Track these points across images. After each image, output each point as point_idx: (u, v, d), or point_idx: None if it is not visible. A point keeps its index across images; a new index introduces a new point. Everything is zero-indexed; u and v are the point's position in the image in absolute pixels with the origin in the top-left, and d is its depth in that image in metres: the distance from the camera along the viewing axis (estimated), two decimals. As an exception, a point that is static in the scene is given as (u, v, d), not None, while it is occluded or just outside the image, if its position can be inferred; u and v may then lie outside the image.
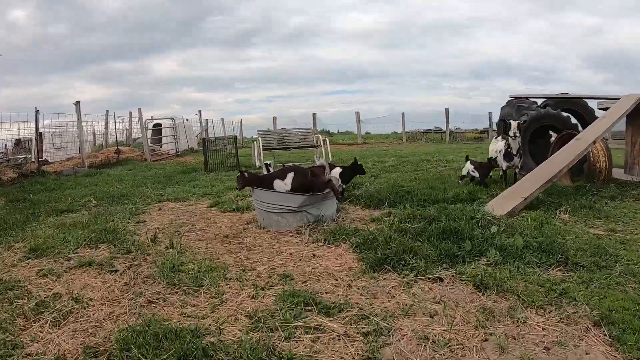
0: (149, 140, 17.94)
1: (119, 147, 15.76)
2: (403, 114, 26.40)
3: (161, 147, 18.45)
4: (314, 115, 25.61)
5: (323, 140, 12.95)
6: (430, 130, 28.06)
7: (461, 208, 5.13)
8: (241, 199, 6.59)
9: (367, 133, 29.31)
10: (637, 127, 7.55)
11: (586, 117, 9.32)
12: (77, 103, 13.48)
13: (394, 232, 4.31)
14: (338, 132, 34.81)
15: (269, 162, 7.58)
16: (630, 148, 7.69)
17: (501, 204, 5.28)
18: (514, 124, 6.67)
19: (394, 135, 28.87)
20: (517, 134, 6.65)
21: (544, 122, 8.54)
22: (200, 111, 25.69)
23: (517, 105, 9.24)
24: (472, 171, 7.24)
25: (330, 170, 6.04)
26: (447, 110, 25.66)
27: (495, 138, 7.97)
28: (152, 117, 19.61)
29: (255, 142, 12.56)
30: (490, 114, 26.41)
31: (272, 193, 5.00)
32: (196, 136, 23.54)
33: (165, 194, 7.52)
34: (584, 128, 7.90)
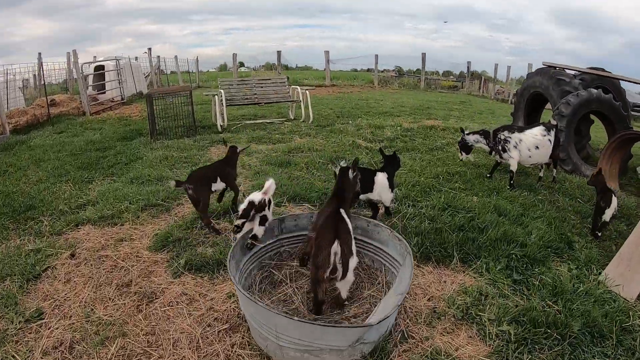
0: (90, 87, 14.93)
1: (53, 99, 12.63)
2: (376, 56, 24.19)
3: (104, 93, 15.35)
4: (279, 53, 22.75)
5: (303, 94, 10.69)
6: (404, 74, 26.21)
7: (585, 292, 3.44)
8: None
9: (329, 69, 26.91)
10: None
11: (616, 98, 7.98)
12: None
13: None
14: (297, 67, 32.22)
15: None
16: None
17: (626, 277, 3.69)
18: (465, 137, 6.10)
19: (362, 76, 26.78)
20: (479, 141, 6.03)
21: (593, 108, 6.92)
22: (149, 49, 21.88)
23: (555, 77, 7.54)
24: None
25: (372, 181, 4.03)
26: (423, 55, 23.85)
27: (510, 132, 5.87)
28: (94, 57, 16.15)
29: (215, 96, 9.85)
30: (468, 63, 24.92)
31: (293, 322, 2.39)
32: (145, 77, 20.16)
33: (89, 202, 5.01)
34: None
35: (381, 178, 4.04)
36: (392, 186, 4.09)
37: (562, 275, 3.66)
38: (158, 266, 3.69)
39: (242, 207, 3.29)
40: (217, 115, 9.62)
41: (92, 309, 3.10)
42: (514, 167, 5.75)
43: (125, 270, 3.62)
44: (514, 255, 3.85)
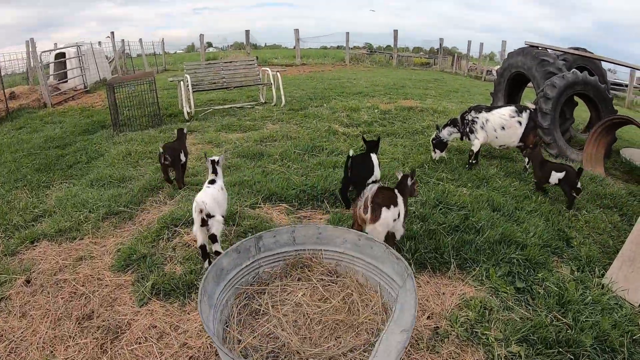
0: (52, 77, 13.93)
1: (12, 91, 11.66)
2: (347, 34, 23.53)
3: (66, 82, 14.27)
4: (247, 32, 21.84)
5: (274, 76, 10.11)
6: (375, 51, 25.69)
7: (592, 299, 3.16)
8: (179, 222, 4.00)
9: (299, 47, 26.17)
10: None
11: (601, 80, 7.85)
12: None
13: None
14: (266, 45, 31.32)
15: (215, 157, 3.81)
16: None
17: (630, 280, 3.43)
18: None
19: (332, 54, 26.12)
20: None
21: (578, 90, 6.67)
22: (112, 33, 20.57)
23: (539, 58, 7.24)
24: None
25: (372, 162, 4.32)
26: (395, 32, 23.29)
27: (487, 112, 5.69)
28: (55, 44, 14.98)
29: (181, 81, 9.12)
30: (441, 40, 24.57)
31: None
32: (109, 62, 18.92)
33: (45, 212, 4.47)
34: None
35: (374, 157, 4.30)
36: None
37: (565, 280, 3.38)
38: (122, 291, 3.21)
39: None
40: (183, 101, 8.96)
41: (52, 352, 2.64)
42: (476, 147, 5.58)
43: (85, 298, 3.13)
44: (514, 260, 3.52)
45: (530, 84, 8.33)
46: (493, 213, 4.28)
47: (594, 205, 4.85)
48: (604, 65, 8.74)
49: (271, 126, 7.79)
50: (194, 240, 3.58)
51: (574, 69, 6.91)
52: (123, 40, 21.05)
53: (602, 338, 2.77)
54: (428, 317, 2.97)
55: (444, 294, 3.24)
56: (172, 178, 4.98)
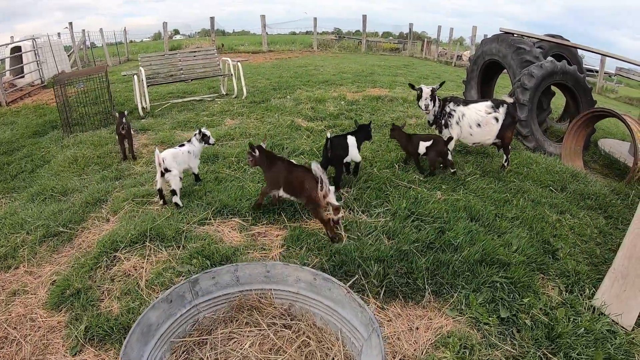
0: (8, 72, 12.95)
1: None
2: (315, 19, 22.83)
3: (23, 77, 13.23)
4: (212, 19, 20.86)
5: (234, 66, 9.44)
6: (344, 37, 25.08)
7: (583, 329, 2.77)
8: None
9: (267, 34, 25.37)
10: None
11: (580, 69, 7.57)
12: None
13: None
14: (234, 31, 30.36)
15: (206, 131, 4.54)
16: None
17: (622, 299, 3.05)
18: (425, 90, 4.97)
19: (301, 39, 25.38)
20: (430, 106, 5.03)
21: (557, 80, 6.29)
22: (70, 23, 19.19)
23: (515, 45, 6.83)
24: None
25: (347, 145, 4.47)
26: (364, 17, 22.67)
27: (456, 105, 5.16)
28: (11, 37, 13.86)
29: (135, 75, 8.34)
30: (410, 25, 24.11)
31: None
32: (69, 55, 17.71)
33: None
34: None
35: (350, 139, 4.44)
36: (358, 147, 4.52)
37: (554, 306, 2.98)
38: (55, 335, 2.73)
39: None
40: (138, 96, 8.23)
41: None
42: (450, 144, 5.02)
43: (17, 344, 2.66)
44: (497, 284, 3.07)
45: (505, 72, 7.95)
46: (471, 223, 3.82)
47: (578, 207, 4.48)
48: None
49: (230, 122, 7.18)
50: (133, 268, 3.25)
51: (551, 58, 6.51)
52: (83, 30, 19.84)
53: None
54: (400, 362, 2.49)
55: (417, 328, 2.78)
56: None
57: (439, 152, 4.80)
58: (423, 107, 4.99)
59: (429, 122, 5.33)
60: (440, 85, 5.04)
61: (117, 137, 5.59)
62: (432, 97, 4.94)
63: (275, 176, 3.69)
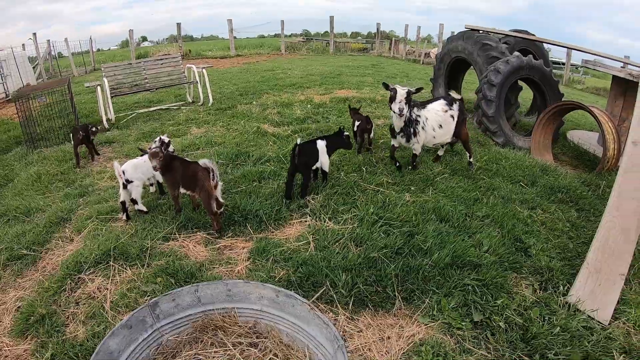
0: None
1: None
2: (282, 22, 22.63)
3: None
4: (179, 25, 20.56)
5: (199, 73, 9.22)
6: (312, 38, 25.05)
7: (559, 327, 2.70)
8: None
9: (235, 38, 25.16)
10: (629, 102, 5.85)
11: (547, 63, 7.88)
12: None
13: None
14: (202, 37, 30.04)
15: (165, 138, 4.54)
16: (619, 123, 6.06)
17: (597, 295, 3.00)
18: (401, 91, 4.35)
19: (269, 42, 25.23)
20: (405, 110, 4.40)
21: (523, 75, 6.30)
22: (34, 34, 18.53)
23: (480, 41, 6.82)
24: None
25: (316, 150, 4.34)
26: (332, 18, 22.72)
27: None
28: None
29: (99, 85, 8.00)
30: (378, 24, 24.20)
31: None
32: (34, 67, 17.09)
33: None
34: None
35: (320, 144, 4.32)
36: (329, 153, 4.42)
37: (528, 305, 2.90)
38: None
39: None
40: (101, 108, 7.92)
41: None
42: (418, 150, 4.84)
43: None
44: (469, 287, 2.98)
45: (471, 69, 7.96)
46: (441, 225, 3.74)
47: (549, 201, 4.44)
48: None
49: (196, 130, 6.98)
50: (98, 289, 3.12)
51: (517, 53, 6.51)
52: (49, 40, 19.20)
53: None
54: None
55: (389, 338, 2.68)
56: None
57: (362, 129, 5.37)
58: (397, 110, 4.35)
59: (393, 130, 4.79)
60: (417, 90, 4.52)
61: (73, 141, 5.73)
62: (408, 100, 4.39)
63: (173, 176, 3.78)
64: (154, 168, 3.67)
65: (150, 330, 2.39)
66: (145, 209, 4.08)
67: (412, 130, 4.66)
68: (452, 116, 4.84)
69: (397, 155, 5.09)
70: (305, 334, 2.33)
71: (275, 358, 2.36)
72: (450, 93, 5.00)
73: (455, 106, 4.86)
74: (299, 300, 2.30)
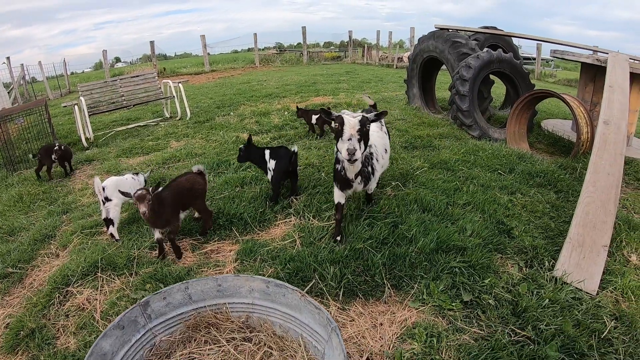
0: None
1: None
2: (255, 35, 22.75)
3: None
4: (152, 43, 20.49)
5: (175, 87, 9.21)
6: (285, 50, 25.22)
7: (548, 300, 2.74)
8: None
9: (208, 54, 25.17)
10: (599, 87, 6.00)
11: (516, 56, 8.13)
12: None
13: None
14: (175, 55, 30.04)
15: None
16: (590, 108, 6.23)
17: (583, 267, 3.07)
18: (350, 122, 2.83)
19: (243, 57, 25.30)
20: (358, 152, 2.81)
21: (494, 69, 6.44)
22: (8, 58, 18.30)
23: (451, 40, 6.95)
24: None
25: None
26: (304, 28, 22.86)
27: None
28: None
29: (76, 105, 7.90)
30: (350, 32, 24.49)
31: None
32: (9, 92, 16.77)
33: None
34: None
35: (266, 152, 4.29)
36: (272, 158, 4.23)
37: (515, 282, 2.95)
38: None
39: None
40: (79, 127, 7.83)
41: None
42: (373, 188, 3.76)
43: None
44: (456, 269, 3.01)
45: (443, 67, 8.10)
46: (423, 215, 3.78)
47: (528, 185, 4.53)
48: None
49: (175, 144, 6.96)
50: (87, 300, 3.10)
51: (487, 48, 6.66)
52: (22, 64, 18.88)
53: (568, 345, 2.38)
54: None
55: (381, 324, 2.69)
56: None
57: (324, 120, 6.27)
58: (345, 154, 2.79)
59: (342, 179, 3.34)
60: (379, 116, 3.02)
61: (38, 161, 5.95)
62: (362, 134, 2.85)
63: (168, 214, 3.46)
64: (143, 215, 3.18)
65: (142, 330, 2.37)
66: (117, 236, 3.82)
67: (369, 169, 3.39)
68: (386, 132, 3.95)
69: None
70: (298, 323, 2.33)
71: (270, 350, 2.36)
72: (363, 96, 4.44)
73: (383, 120, 3.83)
74: (289, 288, 2.31)
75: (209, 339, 2.49)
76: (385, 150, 3.73)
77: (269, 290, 2.42)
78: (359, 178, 3.31)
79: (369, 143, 3.28)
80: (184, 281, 2.56)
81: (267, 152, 4.29)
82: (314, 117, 6.48)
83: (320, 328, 2.16)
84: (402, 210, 3.81)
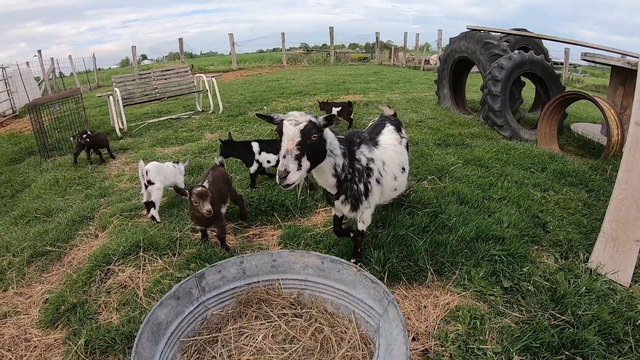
0: None
1: None
2: (283, 34, 23.02)
3: None
4: (180, 40, 20.85)
5: (209, 82, 9.46)
6: (312, 50, 25.43)
7: (585, 288, 2.85)
8: None
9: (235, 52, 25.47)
10: (629, 91, 6.01)
11: (547, 58, 8.04)
12: None
13: None
14: (201, 53, 30.42)
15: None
16: (620, 112, 6.27)
17: (617, 260, 3.18)
18: (289, 131, 2.15)
19: (269, 56, 25.57)
20: (295, 177, 2.14)
21: (526, 70, 6.51)
22: (39, 51, 18.71)
23: (483, 40, 7.04)
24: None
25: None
26: (331, 29, 23.04)
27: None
28: None
29: (110, 96, 8.23)
30: (377, 34, 24.52)
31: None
32: (39, 84, 17.23)
33: None
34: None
35: (255, 144, 4.59)
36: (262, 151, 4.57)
37: (552, 271, 3.07)
38: (53, 353, 2.59)
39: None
40: (114, 117, 8.12)
41: None
42: (368, 220, 2.95)
43: None
44: (496, 257, 3.14)
45: (473, 69, 8.19)
46: (461, 206, 3.92)
47: (560, 184, 4.62)
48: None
49: (210, 135, 7.18)
50: (129, 278, 3.15)
51: (518, 50, 6.74)
52: (52, 58, 19.32)
53: (605, 330, 2.49)
54: (413, 339, 2.53)
55: (425, 307, 2.82)
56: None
57: (347, 112, 7.03)
58: (279, 174, 2.11)
59: (326, 193, 2.82)
60: (328, 121, 2.29)
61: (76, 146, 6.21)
62: (306, 147, 2.17)
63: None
64: (209, 213, 3.04)
65: (196, 303, 2.45)
66: (158, 219, 3.93)
67: (360, 187, 2.72)
68: (406, 146, 3.35)
69: None
70: (350, 299, 2.45)
71: (321, 326, 2.44)
72: (381, 106, 3.91)
73: (403, 129, 3.47)
74: (345, 264, 2.44)
75: (259, 315, 2.56)
76: (403, 169, 3.09)
77: (324, 266, 2.53)
78: (342, 197, 2.69)
79: (371, 157, 2.76)
80: (240, 255, 2.66)
81: (254, 144, 4.58)
82: (335, 109, 7.09)
83: (374, 302, 2.28)
84: (440, 201, 3.95)
